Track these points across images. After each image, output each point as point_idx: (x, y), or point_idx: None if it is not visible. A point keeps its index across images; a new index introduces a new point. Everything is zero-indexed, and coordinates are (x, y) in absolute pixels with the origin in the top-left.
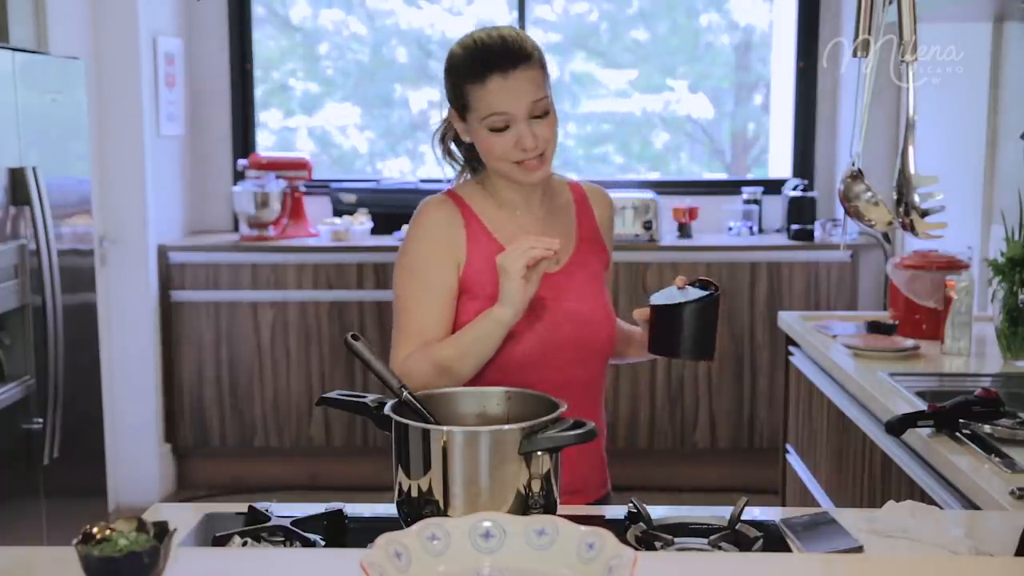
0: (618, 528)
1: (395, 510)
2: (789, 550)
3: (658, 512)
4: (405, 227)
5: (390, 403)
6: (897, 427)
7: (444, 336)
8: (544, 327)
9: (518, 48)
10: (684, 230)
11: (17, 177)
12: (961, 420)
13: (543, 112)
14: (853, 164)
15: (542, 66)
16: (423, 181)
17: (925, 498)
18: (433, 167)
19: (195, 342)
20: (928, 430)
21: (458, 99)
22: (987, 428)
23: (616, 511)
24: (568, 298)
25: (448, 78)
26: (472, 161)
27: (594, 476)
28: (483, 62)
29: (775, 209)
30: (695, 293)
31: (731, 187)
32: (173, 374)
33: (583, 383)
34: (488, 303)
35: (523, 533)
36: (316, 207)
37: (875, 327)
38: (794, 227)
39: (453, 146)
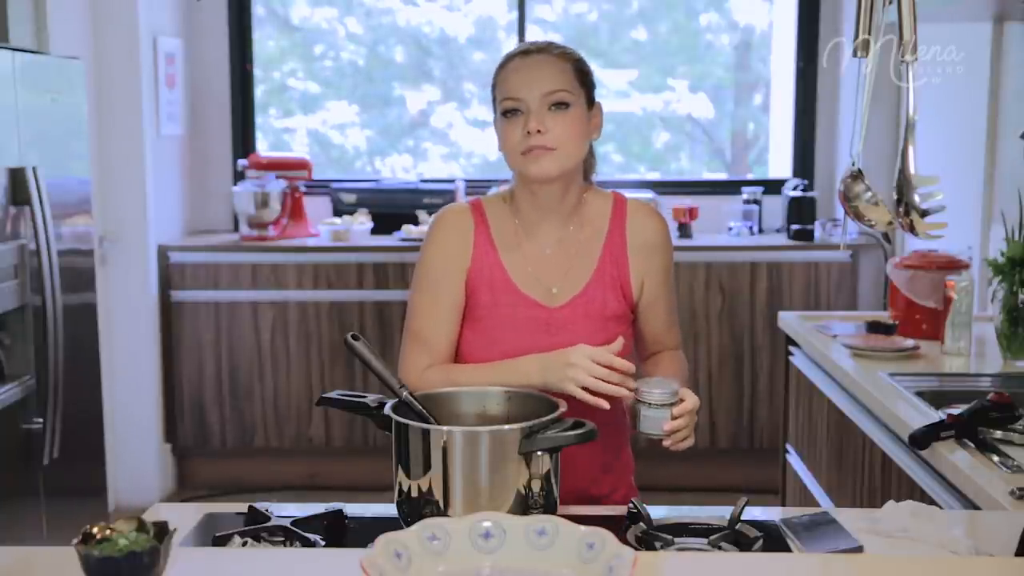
0: (618, 528)
1: (395, 510)
2: (789, 550)
3: (658, 512)
4: (406, 227)
5: (390, 403)
6: (921, 441)
7: (448, 346)
8: None
9: (546, 42)
10: (684, 230)
11: (17, 177)
12: (979, 428)
13: (560, 104)
14: (853, 164)
15: (573, 66)
16: (423, 180)
17: (925, 498)
18: (434, 166)
19: (195, 342)
20: (949, 440)
21: (493, 97)
22: (999, 434)
23: (616, 511)
24: (561, 337)
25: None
26: None
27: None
28: (514, 49)
29: (775, 209)
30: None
31: (731, 187)
32: (173, 374)
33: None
34: (474, 323)
35: (523, 533)
36: (316, 207)
37: (875, 327)
38: (794, 227)
39: None
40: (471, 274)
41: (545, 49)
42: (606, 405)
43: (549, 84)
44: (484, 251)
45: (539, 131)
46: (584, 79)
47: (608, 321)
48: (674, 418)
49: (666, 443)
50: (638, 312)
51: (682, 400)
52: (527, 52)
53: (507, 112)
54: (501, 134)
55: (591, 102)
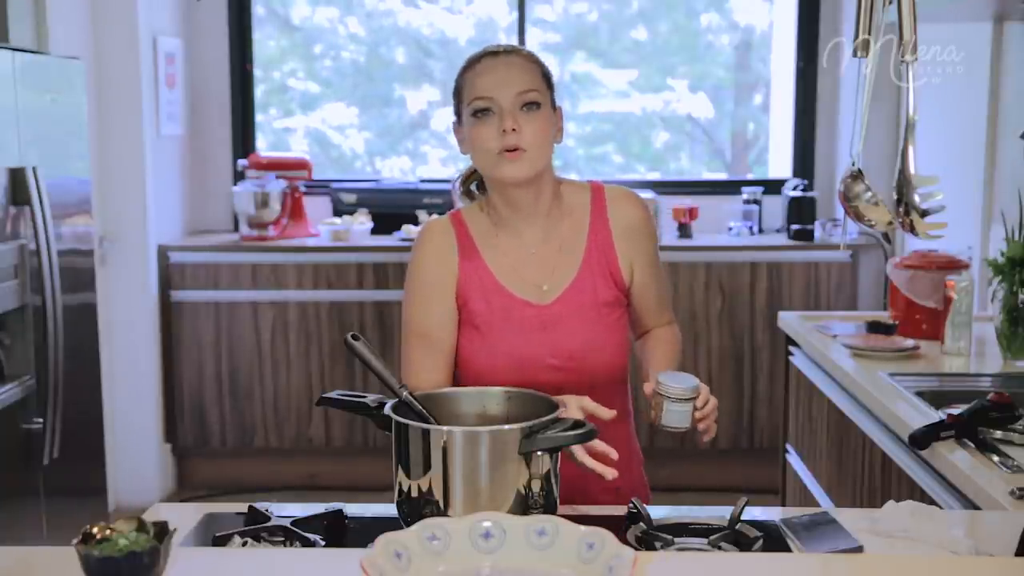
0: (618, 528)
1: (395, 510)
2: (789, 550)
3: (658, 512)
4: (406, 227)
5: (390, 403)
6: (921, 441)
7: (449, 341)
8: (525, 365)
9: (510, 45)
10: (684, 230)
11: (17, 177)
12: (980, 428)
13: (532, 103)
14: (853, 164)
15: (540, 68)
16: (423, 181)
17: (925, 498)
18: (433, 167)
19: (195, 342)
20: (949, 440)
21: (457, 99)
22: (999, 434)
23: (616, 511)
24: (557, 332)
25: (454, 86)
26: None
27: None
28: (480, 51)
29: (775, 209)
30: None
31: (731, 187)
32: (173, 374)
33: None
34: (472, 331)
35: (523, 533)
36: (316, 207)
37: (875, 327)
38: (794, 227)
39: (474, 188)
40: (460, 284)
41: (513, 51)
42: (610, 475)
43: (521, 84)
44: (470, 260)
45: (514, 130)
46: (548, 83)
47: (602, 308)
48: (697, 409)
49: (701, 432)
50: (631, 296)
51: (699, 393)
52: (496, 53)
53: (478, 112)
54: (472, 135)
55: (554, 106)
